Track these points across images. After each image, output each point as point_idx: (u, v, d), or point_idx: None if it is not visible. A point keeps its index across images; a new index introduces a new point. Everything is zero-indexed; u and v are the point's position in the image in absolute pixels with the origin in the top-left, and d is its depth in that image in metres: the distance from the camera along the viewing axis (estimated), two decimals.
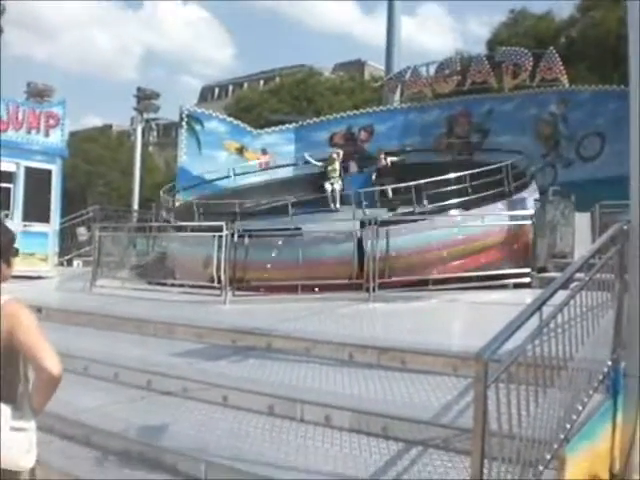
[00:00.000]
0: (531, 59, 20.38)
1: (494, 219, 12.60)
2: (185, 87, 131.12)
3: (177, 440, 5.69)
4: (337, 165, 17.76)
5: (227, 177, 20.25)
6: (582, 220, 13.49)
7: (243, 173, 20.73)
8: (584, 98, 19.87)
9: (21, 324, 3.03)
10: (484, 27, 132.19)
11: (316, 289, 11.05)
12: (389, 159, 18.34)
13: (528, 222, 12.13)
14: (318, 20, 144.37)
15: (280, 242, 12.26)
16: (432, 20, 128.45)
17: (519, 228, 12.39)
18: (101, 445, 6.05)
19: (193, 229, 14.21)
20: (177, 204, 18.28)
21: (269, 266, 11.80)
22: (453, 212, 13.01)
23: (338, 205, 16.50)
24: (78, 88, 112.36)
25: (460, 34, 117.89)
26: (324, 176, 17.54)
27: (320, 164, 18.79)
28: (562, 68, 20.19)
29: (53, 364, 3.01)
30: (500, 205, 13.36)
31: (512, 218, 12.56)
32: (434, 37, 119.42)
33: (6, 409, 3.02)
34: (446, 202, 13.06)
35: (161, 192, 19.42)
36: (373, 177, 18.29)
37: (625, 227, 5.30)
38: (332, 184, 17.01)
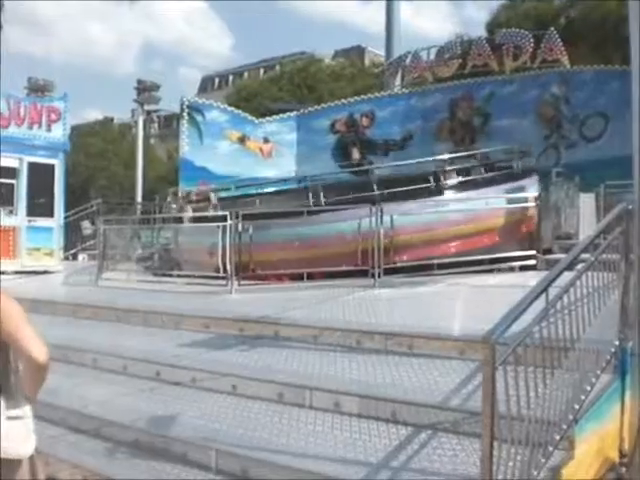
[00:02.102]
0: (532, 41, 20.29)
1: (499, 201, 12.56)
2: (184, 78, 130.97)
3: (187, 430, 5.73)
4: None
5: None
6: (586, 201, 13.48)
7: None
8: (586, 78, 19.77)
9: (3, 313, 3.02)
10: (481, 10, 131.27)
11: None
12: None
13: (532, 204, 12.11)
14: (315, 8, 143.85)
15: (284, 228, 12.21)
16: (428, 4, 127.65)
17: (524, 210, 12.36)
18: (111, 437, 6.10)
19: (198, 219, 14.20)
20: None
21: (274, 253, 11.77)
22: (458, 194, 12.92)
23: None
24: (77, 82, 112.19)
25: (457, 18, 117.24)
26: None
27: None
28: (563, 49, 20.09)
29: (38, 351, 3.02)
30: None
31: (517, 200, 12.51)
32: (431, 22, 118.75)
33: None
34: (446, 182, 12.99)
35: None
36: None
37: (630, 207, 5.29)
38: None
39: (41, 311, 9.92)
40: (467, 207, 12.29)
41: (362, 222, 11.10)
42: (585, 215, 13.10)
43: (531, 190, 12.73)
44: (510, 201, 12.45)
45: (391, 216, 11.02)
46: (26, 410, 3.16)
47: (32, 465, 3.18)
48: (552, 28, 21.03)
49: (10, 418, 3.04)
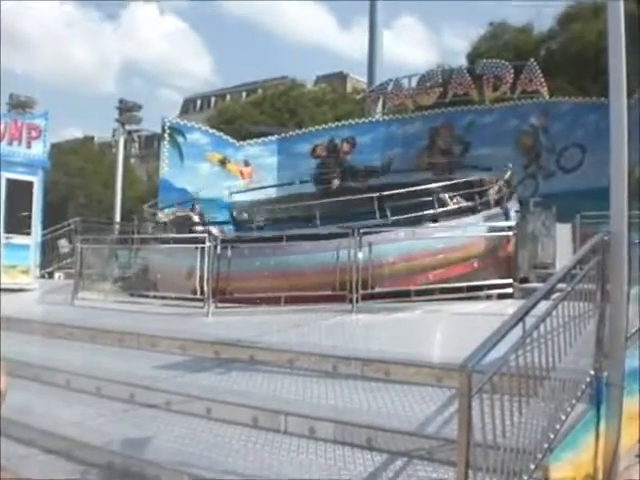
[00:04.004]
0: (512, 71, 20.57)
1: (476, 230, 12.65)
2: (164, 99, 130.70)
3: (160, 453, 5.66)
4: None
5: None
6: (563, 231, 13.59)
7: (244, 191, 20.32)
8: (564, 110, 20.07)
9: None
10: (459, 40, 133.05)
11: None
12: None
13: (510, 233, 12.19)
14: (297, 33, 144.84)
15: (263, 252, 12.23)
16: (409, 33, 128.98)
17: (501, 239, 12.44)
18: (84, 459, 6.01)
19: (176, 241, 14.16)
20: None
21: (252, 277, 11.76)
22: (436, 223, 13.01)
23: None
24: (58, 100, 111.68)
25: (438, 47, 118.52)
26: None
27: None
28: (542, 80, 20.38)
29: None
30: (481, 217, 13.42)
31: (494, 229, 12.60)
32: (411, 50, 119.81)
33: None
34: (427, 212, 13.10)
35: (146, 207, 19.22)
36: None
37: (606, 238, 5.35)
38: None
39: (16, 330, 9.81)
40: (446, 235, 12.40)
41: (341, 249, 11.12)
42: (562, 245, 13.20)
43: (511, 212, 12.91)
44: (489, 229, 12.55)
45: (369, 244, 11.07)
46: None
47: None
48: (532, 59, 21.35)
49: None
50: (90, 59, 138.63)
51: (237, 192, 20.46)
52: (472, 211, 13.45)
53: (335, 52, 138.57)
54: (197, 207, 17.78)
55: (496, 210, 13.79)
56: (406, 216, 12.77)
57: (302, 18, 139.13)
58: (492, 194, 14.00)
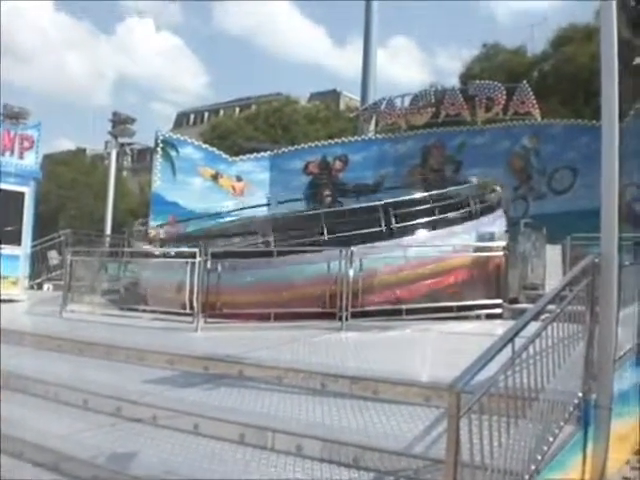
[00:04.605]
0: (504, 93, 20.70)
1: (466, 249, 12.67)
2: (158, 114, 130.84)
3: (147, 468, 5.62)
4: None
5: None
6: (553, 252, 13.63)
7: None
8: (556, 132, 20.21)
9: None
10: (452, 60, 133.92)
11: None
12: None
13: (500, 253, 12.21)
14: (292, 51, 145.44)
15: (254, 268, 12.22)
16: (403, 53, 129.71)
17: (491, 259, 12.45)
18: (70, 472, 5.96)
19: (166, 255, 14.12)
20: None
21: (242, 292, 11.73)
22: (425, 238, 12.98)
23: None
24: (50, 111, 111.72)
25: (430, 67, 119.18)
26: None
27: None
28: (535, 102, 20.51)
29: None
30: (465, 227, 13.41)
31: (484, 249, 12.62)
32: (405, 69, 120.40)
33: None
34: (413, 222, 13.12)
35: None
36: None
37: (596, 260, 5.38)
38: None
39: (3, 341, 9.75)
40: (434, 251, 12.42)
41: (331, 264, 11.13)
42: (551, 266, 13.24)
43: (497, 225, 12.95)
44: (479, 249, 12.58)
45: (360, 259, 11.09)
46: None
47: None
48: (525, 81, 21.52)
49: None
50: (84, 71, 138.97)
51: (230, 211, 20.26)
52: (459, 221, 13.44)
53: (329, 70, 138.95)
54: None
55: (485, 219, 13.78)
56: (397, 226, 12.80)
57: (297, 36, 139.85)
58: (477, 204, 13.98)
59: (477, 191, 14.72)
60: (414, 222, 13.09)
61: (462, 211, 13.72)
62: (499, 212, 14.52)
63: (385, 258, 11.95)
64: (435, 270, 12.20)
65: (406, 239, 12.62)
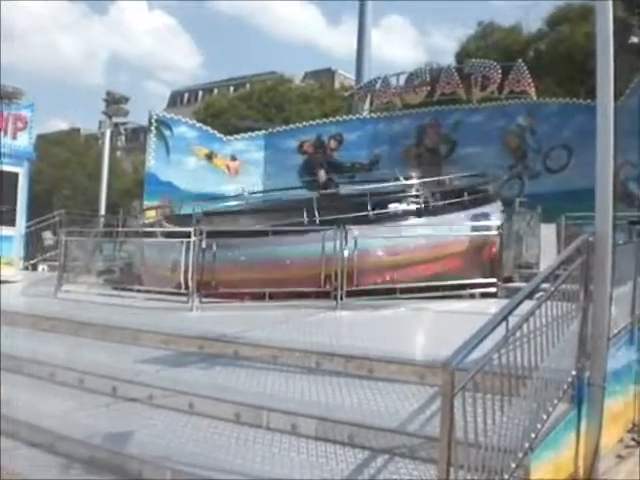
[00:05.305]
0: (499, 71, 20.58)
1: (462, 229, 12.67)
2: (152, 93, 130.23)
3: (142, 447, 5.64)
4: None
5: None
6: (548, 231, 13.65)
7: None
8: (551, 111, 20.15)
9: None
10: (448, 39, 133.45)
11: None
12: None
13: (495, 233, 12.22)
14: (287, 30, 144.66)
15: (248, 246, 12.18)
16: (398, 31, 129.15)
17: (486, 238, 12.46)
18: (66, 452, 5.97)
19: (161, 234, 14.08)
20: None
21: (237, 271, 11.72)
22: (423, 220, 12.99)
23: None
24: (44, 91, 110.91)
25: (425, 45, 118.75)
26: None
27: None
28: (530, 81, 20.41)
29: None
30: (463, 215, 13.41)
31: (479, 229, 12.62)
32: (400, 48, 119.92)
33: None
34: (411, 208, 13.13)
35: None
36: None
37: (590, 239, 5.39)
38: None
39: None
40: (431, 233, 12.42)
41: (326, 244, 11.11)
42: (546, 245, 13.26)
43: (494, 216, 12.94)
44: (474, 228, 12.57)
45: (355, 239, 11.07)
46: None
47: None
48: (520, 60, 21.38)
49: None
50: (77, 51, 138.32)
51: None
52: (458, 208, 13.43)
53: (324, 49, 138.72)
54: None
55: (481, 209, 13.78)
56: (386, 211, 12.79)
57: (291, 14, 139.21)
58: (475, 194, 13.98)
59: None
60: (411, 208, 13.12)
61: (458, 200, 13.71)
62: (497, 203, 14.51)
63: (380, 238, 11.96)
64: (430, 250, 12.20)
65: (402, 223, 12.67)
